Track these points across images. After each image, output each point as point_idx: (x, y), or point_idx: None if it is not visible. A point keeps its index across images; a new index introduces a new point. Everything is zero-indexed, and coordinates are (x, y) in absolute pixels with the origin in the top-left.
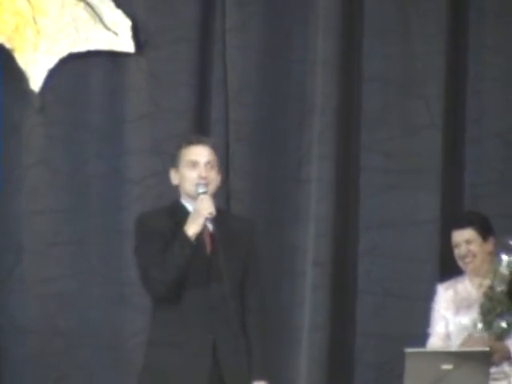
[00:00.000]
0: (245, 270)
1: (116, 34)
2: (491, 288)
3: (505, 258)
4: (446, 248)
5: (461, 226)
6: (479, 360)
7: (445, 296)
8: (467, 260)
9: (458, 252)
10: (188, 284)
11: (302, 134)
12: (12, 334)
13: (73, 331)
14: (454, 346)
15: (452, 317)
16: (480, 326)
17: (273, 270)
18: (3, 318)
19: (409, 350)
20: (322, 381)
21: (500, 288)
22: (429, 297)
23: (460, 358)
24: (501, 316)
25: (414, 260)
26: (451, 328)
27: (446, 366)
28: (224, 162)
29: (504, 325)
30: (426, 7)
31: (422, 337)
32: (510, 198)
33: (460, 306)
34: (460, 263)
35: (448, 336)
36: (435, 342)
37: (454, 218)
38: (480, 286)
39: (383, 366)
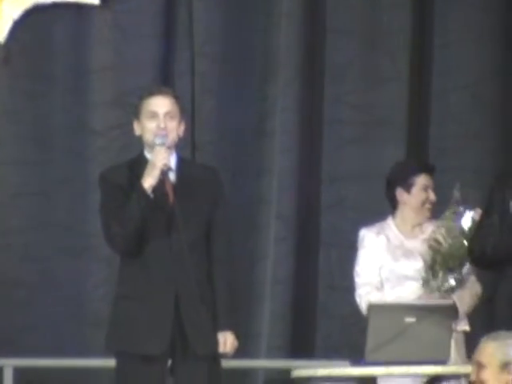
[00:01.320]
0: (210, 220)
1: None
2: (438, 242)
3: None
4: None
5: (431, 171)
6: (443, 314)
7: (377, 241)
8: (429, 206)
9: (425, 197)
10: (150, 236)
11: (267, 86)
12: None
13: (36, 282)
14: (388, 293)
15: (388, 263)
16: (432, 281)
17: (236, 222)
18: None
19: (372, 302)
20: (285, 334)
21: (449, 242)
22: None
23: (424, 311)
24: (450, 271)
25: (378, 212)
26: (386, 274)
27: (410, 319)
28: (189, 114)
29: (452, 281)
30: None
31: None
32: (475, 151)
33: (395, 254)
34: (421, 208)
35: (381, 283)
36: (372, 294)
37: (419, 162)
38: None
39: (347, 318)
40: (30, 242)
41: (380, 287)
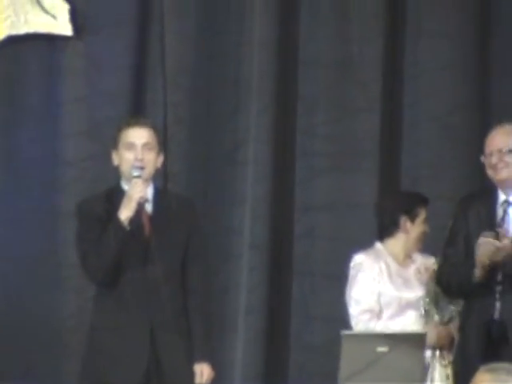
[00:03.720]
0: (185, 251)
1: (54, 17)
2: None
3: None
4: None
5: (428, 204)
6: (413, 342)
7: (377, 268)
8: (423, 238)
9: (425, 228)
10: (126, 267)
11: (239, 116)
12: None
13: (9, 312)
14: (391, 323)
15: (389, 291)
16: (434, 312)
17: (209, 252)
18: None
19: (345, 332)
20: (258, 363)
21: None
22: None
23: (395, 340)
24: (450, 302)
25: (351, 242)
26: (385, 302)
27: (382, 349)
28: (161, 144)
29: (453, 312)
30: None
31: None
32: (447, 179)
33: (397, 283)
34: (420, 239)
35: (380, 310)
36: (372, 321)
37: (420, 194)
38: (415, 265)
39: (320, 348)
40: (1, 272)
41: (379, 315)
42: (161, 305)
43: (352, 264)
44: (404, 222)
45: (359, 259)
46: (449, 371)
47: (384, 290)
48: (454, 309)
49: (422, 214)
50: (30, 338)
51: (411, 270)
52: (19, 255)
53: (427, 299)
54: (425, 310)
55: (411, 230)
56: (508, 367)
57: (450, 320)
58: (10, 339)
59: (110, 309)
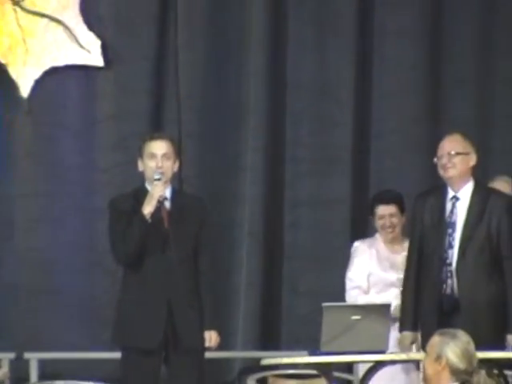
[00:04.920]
0: (197, 240)
1: (89, 51)
2: None
3: None
4: (356, 221)
5: (386, 202)
6: (380, 312)
7: (369, 252)
8: (389, 230)
9: (382, 223)
10: (148, 253)
11: (239, 130)
12: (5, 292)
13: (56, 290)
14: (374, 297)
15: (377, 272)
16: None
17: (216, 240)
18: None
19: (326, 304)
20: (256, 330)
21: None
22: (342, 261)
23: (366, 310)
24: None
25: (329, 231)
26: (374, 280)
27: (355, 317)
28: (177, 153)
29: None
30: (339, 28)
31: (336, 292)
32: (406, 181)
33: (384, 265)
34: (382, 233)
35: (367, 287)
36: (360, 296)
37: (378, 195)
38: (401, 252)
39: (306, 317)
40: (49, 258)
41: (367, 291)
42: (176, 283)
43: (352, 249)
44: (372, 219)
45: (355, 245)
46: None
47: (372, 271)
48: None
49: (378, 211)
50: (71, 312)
51: (400, 257)
52: (63, 245)
53: None
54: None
55: (376, 225)
56: (454, 332)
57: None
58: (54, 313)
59: (135, 286)
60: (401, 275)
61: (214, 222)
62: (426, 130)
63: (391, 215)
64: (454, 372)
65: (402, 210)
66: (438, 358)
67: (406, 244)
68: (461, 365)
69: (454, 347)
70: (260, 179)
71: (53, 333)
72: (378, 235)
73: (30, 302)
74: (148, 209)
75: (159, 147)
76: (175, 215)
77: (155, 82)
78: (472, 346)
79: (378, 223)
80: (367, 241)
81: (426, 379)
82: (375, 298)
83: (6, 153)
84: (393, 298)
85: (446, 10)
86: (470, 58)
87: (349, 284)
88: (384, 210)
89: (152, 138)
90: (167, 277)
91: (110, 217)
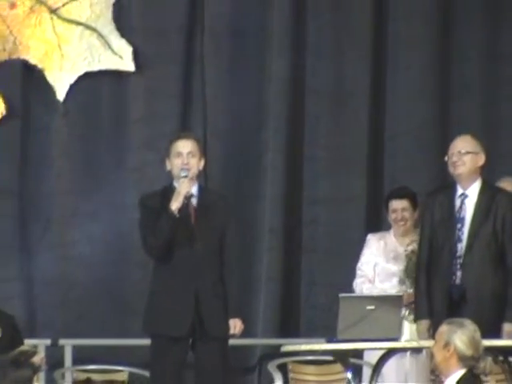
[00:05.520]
0: (222, 234)
1: (121, 57)
2: (414, 253)
3: None
4: (371, 218)
5: (399, 197)
6: (392, 302)
7: (377, 245)
8: (401, 223)
9: (395, 216)
10: (176, 246)
11: (261, 132)
12: (41, 284)
13: (90, 282)
14: (379, 286)
15: (381, 262)
16: (407, 281)
17: (239, 235)
18: (37, 272)
19: (342, 294)
20: (276, 319)
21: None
22: (357, 255)
23: (379, 300)
24: None
25: (345, 227)
26: (378, 270)
27: (370, 307)
28: (202, 152)
29: None
30: (355, 38)
31: (351, 284)
32: (418, 180)
33: (388, 256)
34: (394, 226)
35: (373, 277)
36: (365, 284)
37: (393, 191)
38: (406, 245)
39: (323, 307)
40: (83, 252)
41: (372, 280)
42: (203, 274)
43: (365, 241)
44: (387, 213)
45: (368, 238)
46: (414, 326)
47: (378, 261)
48: None
49: (391, 206)
50: (104, 302)
51: (403, 248)
52: (98, 239)
53: (403, 271)
54: (400, 279)
55: (389, 218)
56: (461, 321)
57: None
58: (90, 303)
59: (164, 278)
60: (401, 266)
61: (238, 217)
62: (437, 132)
63: (403, 209)
64: (462, 358)
65: (414, 205)
66: (447, 345)
67: (414, 236)
68: (468, 352)
69: (461, 335)
70: (280, 178)
71: (86, 322)
72: (391, 229)
73: (66, 293)
74: (175, 205)
75: (185, 146)
76: (201, 211)
77: (183, 86)
78: (478, 334)
79: (391, 216)
80: (379, 234)
81: (435, 365)
82: (379, 286)
83: (44, 153)
84: (393, 287)
85: (454, 18)
86: (478, 64)
87: (358, 273)
88: (397, 204)
89: (178, 137)
90: (194, 268)
91: (140, 213)
